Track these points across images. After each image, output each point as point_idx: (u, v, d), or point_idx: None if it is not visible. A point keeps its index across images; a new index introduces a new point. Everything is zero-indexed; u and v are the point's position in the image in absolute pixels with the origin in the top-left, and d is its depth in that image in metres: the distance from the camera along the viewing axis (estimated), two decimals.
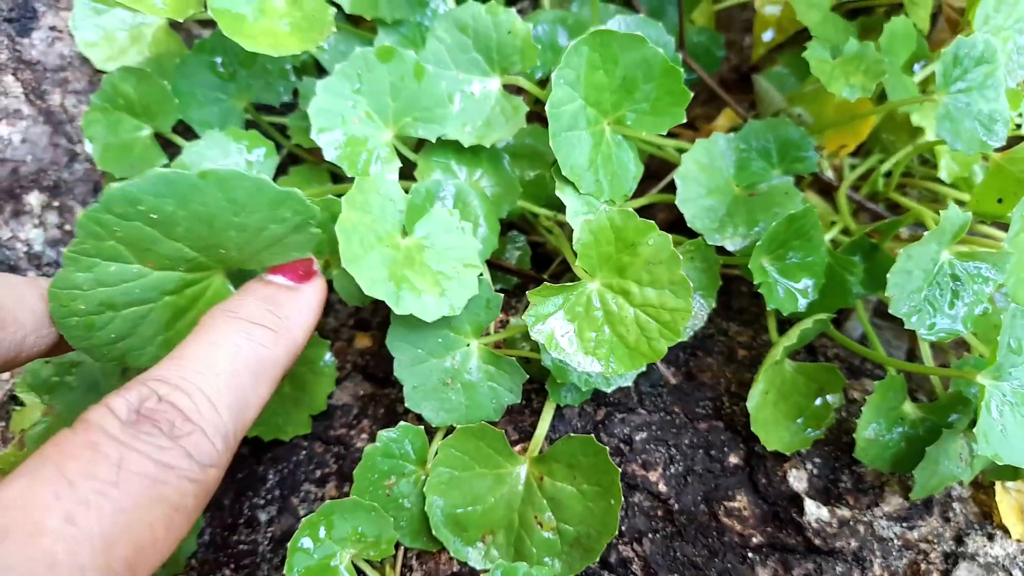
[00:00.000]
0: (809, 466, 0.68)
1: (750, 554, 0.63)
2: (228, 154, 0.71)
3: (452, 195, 0.64)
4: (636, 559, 0.63)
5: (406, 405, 0.63)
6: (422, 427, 0.64)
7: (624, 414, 0.70)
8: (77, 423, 0.40)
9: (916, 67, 0.83)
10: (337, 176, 0.82)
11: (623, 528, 0.64)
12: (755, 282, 0.66)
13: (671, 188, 0.71)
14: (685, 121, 0.64)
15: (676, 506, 0.65)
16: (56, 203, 0.81)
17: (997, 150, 0.67)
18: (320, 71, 0.84)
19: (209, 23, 0.88)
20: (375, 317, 0.80)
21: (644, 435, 0.68)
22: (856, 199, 0.81)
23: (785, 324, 0.71)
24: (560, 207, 0.64)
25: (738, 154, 0.73)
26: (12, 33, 0.82)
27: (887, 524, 0.65)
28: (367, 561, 0.60)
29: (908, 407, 0.67)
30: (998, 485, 0.68)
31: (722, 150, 0.73)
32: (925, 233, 0.59)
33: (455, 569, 0.63)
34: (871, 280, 0.70)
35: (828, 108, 0.84)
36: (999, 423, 0.57)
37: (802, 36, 0.88)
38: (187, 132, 0.80)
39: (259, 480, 0.71)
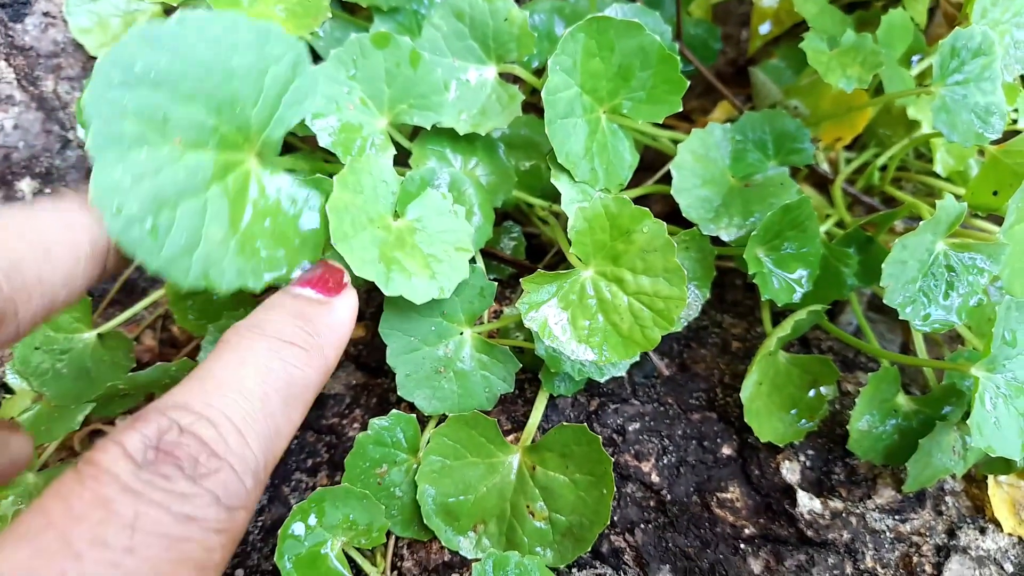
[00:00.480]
0: (802, 458, 0.68)
1: (742, 545, 0.63)
2: None
3: (447, 183, 0.64)
4: (628, 549, 0.63)
5: (398, 393, 0.62)
6: (414, 415, 0.63)
7: (617, 404, 0.69)
8: (85, 466, 0.34)
9: (913, 60, 0.83)
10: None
11: (615, 518, 0.64)
12: (749, 272, 0.66)
13: (666, 179, 0.71)
14: (681, 112, 0.64)
15: (669, 497, 0.65)
16: (48, 190, 0.80)
17: (993, 143, 0.67)
18: (315, 58, 0.84)
19: None
20: (368, 307, 0.79)
21: (637, 425, 0.68)
22: (851, 192, 0.81)
23: (779, 317, 0.71)
24: (556, 197, 0.63)
25: (734, 145, 0.73)
26: (5, 19, 0.81)
27: (879, 516, 0.65)
28: (358, 549, 0.59)
29: (902, 399, 0.67)
30: (991, 479, 0.68)
31: (718, 141, 0.73)
32: (920, 223, 0.59)
33: (446, 558, 0.62)
34: (866, 272, 0.69)
35: (824, 101, 0.84)
36: (992, 415, 0.57)
37: (799, 29, 0.88)
38: None
39: None
